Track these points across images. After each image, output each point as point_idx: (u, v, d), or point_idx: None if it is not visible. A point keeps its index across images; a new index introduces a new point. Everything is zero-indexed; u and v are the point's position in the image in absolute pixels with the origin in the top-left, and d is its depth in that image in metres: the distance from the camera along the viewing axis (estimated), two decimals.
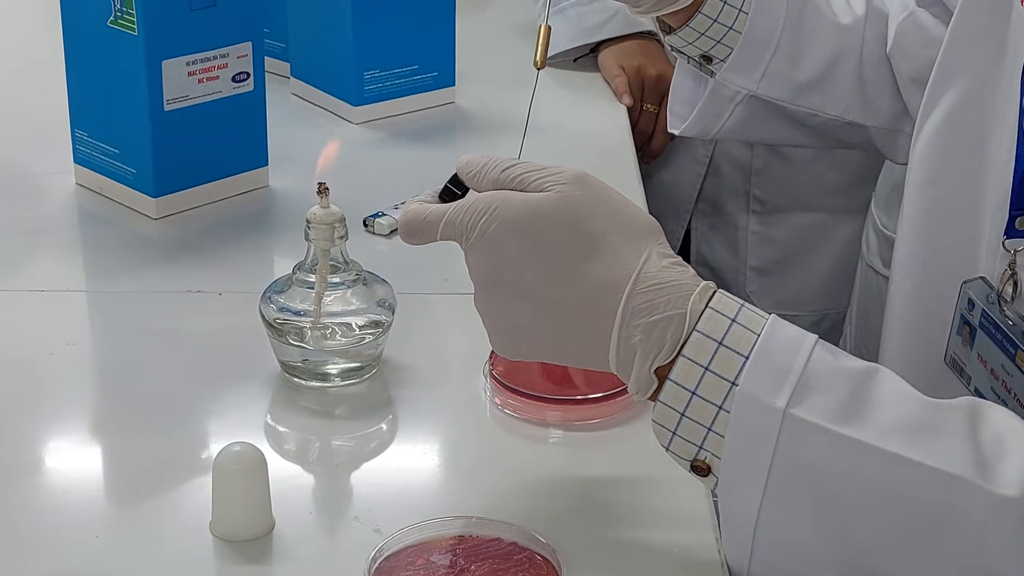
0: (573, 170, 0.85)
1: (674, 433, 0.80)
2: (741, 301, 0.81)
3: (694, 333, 0.79)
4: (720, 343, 0.79)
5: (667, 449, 0.81)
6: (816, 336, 0.80)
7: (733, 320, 0.80)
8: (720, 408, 0.79)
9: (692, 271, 0.83)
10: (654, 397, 0.81)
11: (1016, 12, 0.98)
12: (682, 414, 0.80)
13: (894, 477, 0.76)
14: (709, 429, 0.79)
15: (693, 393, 0.79)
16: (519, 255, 0.83)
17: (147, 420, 1.05)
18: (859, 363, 0.80)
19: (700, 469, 0.80)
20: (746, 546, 0.78)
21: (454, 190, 0.87)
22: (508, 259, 0.83)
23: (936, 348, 1.07)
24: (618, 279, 0.82)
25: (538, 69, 1.04)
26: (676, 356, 0.80)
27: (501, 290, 0.84)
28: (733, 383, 0.78)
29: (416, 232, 0.88)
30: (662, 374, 0.81)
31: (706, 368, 0.79)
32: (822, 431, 0.76)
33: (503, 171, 0.86)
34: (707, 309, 0.80)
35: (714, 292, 0.81)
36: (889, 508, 0.76)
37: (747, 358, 0.78)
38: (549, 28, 1.05)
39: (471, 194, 0.86)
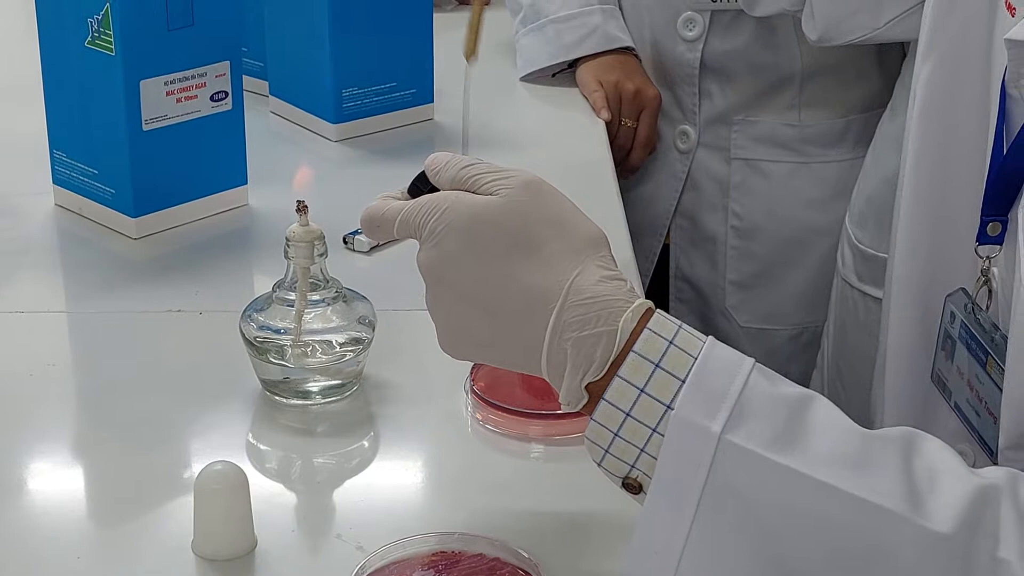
0: (524, 175, 0.85)
1: (606, 451, 0.80)
2: (679, 322, 0.81)
3: (631, 354, 0.79)
4: (657, 365, 0.78)
5: (599, 465, 0.81)
6: (753, 360, 0.79)
7: (671, 342, 0.79)
8: (654, 431, 0.78)
9: (629, 285, 0.82)
10: (588, 412, 0.81)
11: (1000, 19, 0.99)
12: (615, 434, 0.79)
13: (826, 508, 0.75)
14: (642, 450, 0.78)
15: (627, 414, 0.78)
16: (460, 257, 0.83)
17: (128, 440, 1.05)
18: (796, 389, 0.79)
19: (632, 486, 0.80)
20: (669, 570, 0.77)
21: (420, 187, 0.88)
22: (451, 260, 0.84)
23: (928, 367, 1.08)
24: (551, 290, 0.81)
25: (468, 61, 1.03)
26: (610, 375, 0.79)
27: (445, 290, 0.85)
28: (668, 406, 0.78)
29: (374, 228, 0.89)
30: (595, 389, 0.80)
31: (641, 390, 0.78)
32: (756, 458, 0.75)
33: (461, 169, 0.86)
34: (645, 330, 0.79)
35: (650, 310, 0.81)
36: (820, 539, 0.75)
37: (683, 382, 0.78)
38: (482, 7, 1.02)
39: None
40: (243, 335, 1.08)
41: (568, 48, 1.83)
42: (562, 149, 1.66)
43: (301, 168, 1.55)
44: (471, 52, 1.03)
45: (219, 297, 1.25)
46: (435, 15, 1.65)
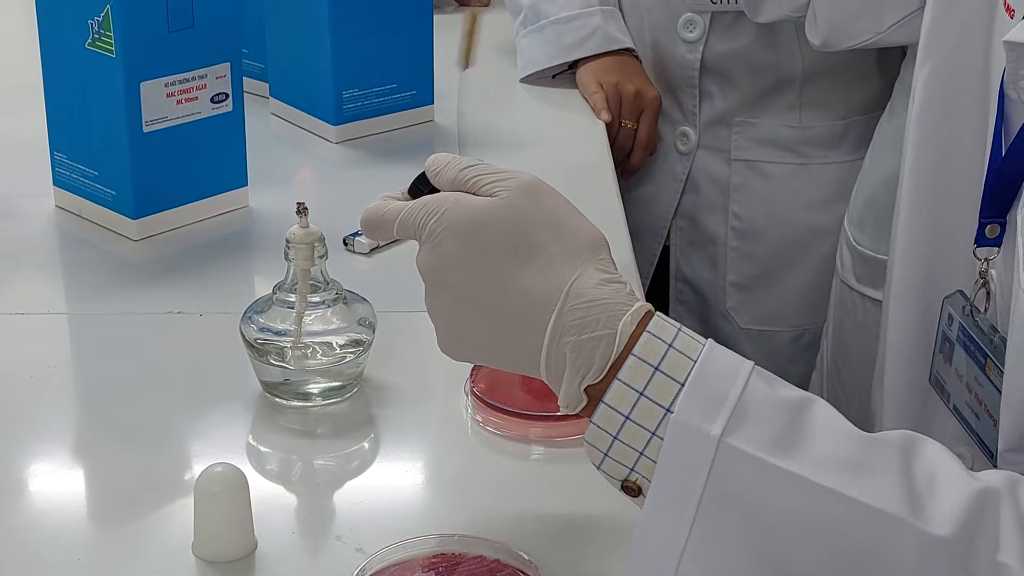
0: (524, 177, 0.85)
1: (605, 454, 0.80)
2: (678, 325, 0.81)
3: (630, 357, 0.79)
4: (656, 368, 0.78)
5: (598, 468, 0.81)
6: (752, 363, 0.79)
7: (670, 345, 0.79)
8: (653, 434, 0.78)
9: (628, 288, 0.82)
10: (587, 414, 0.81)
11: (999, 21, 0.99)
12: (615, 437, 0.79)
13: (826, 512, 0.75)
14: (641, 453, 0.78)
15: (627, 418, 0.78)
16: (460, 259, 0.84)
17: (128, 441, 1.05)
18: (795, 393, 0.79)
19: (631, 489, 0.80)
20: (668, 573, 0.77)
21: (420, 188, 0.88)
22: (451, 262, 0.84)
23: (927, 369, 1.07)
24: (551, 293, 0.81)
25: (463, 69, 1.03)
26: (609, 378, 0.79)
27: (445, 292, 0.85)
28: (668, 410, 0.78)
29: (374, 228, 0.89)
30: (594, 392, 0.80)
31: (641, 393, 0.78)
32: (756, 461, 0.75)
33: (461, 171, 0.86)
34: (644, 333, 0.79)
35: (649, 313, 0.81)
36: (819, 542, 0.75)
37: (683, 385, 0.78)
38: (474, 17, 1.03)
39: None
40: (243, 337, 1.08)
41: (568, 49, 1.83)
42: (562, 150, 1.66)
43: (302, 170, 1.55)
44: (466, 60, 1.04)
45: (219, 299, 1.25)
46: (435, 16, 1.65)
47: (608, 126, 1.76)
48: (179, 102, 1.35)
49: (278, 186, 1.47)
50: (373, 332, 1.09)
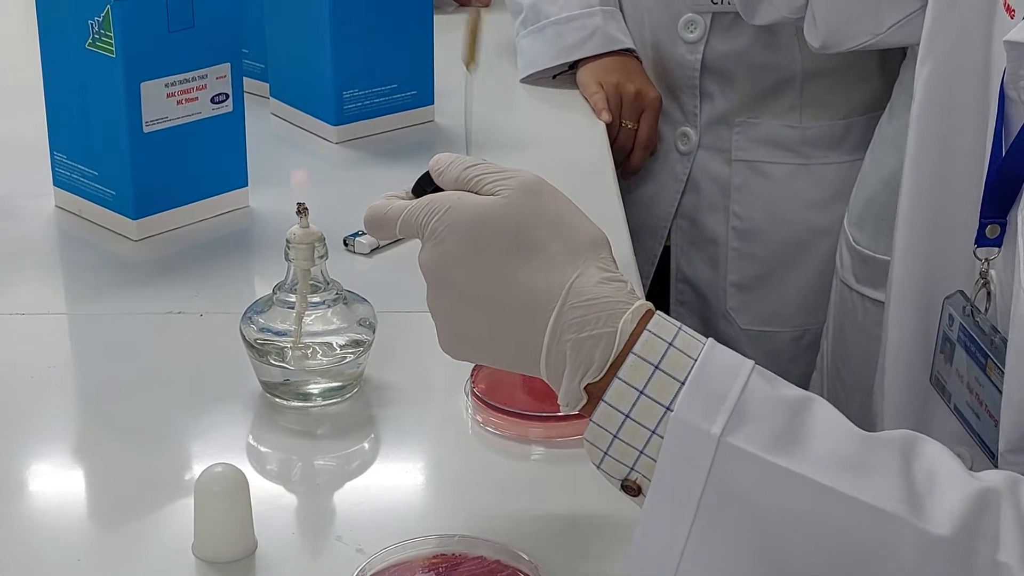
0: (526, 176, 0.85)
1: (605, 453, 0.80)
2: (679, 324, 0.81)
3: (630, 355, 0.79)
4: (656, 367, 0.78)
5: (598, 467, 0.81)
6: (752, 362, 0.79)
7: (670, 344, 0.79)
8: (653, 432, 0.78)
9: (629, 287, 0.82)
10: (587, 413, 0.81)
11: (999, 21, 0.99)
12: (615, 436, 0.79)
13: (826, 510, 0.75)
14: (641, 452, 0.78)
15: (627, 416, 0.78)
16: (462, 258, 0.84)
17: (129, 442, 1.05)
18: (795, 392, 0.79)
19: (630, 489, 0.80)
20: (669, 572, 0.77)
21: (424, 187, 0.89)
22: (452, 260, 0.84)
23: (928, 369, 1.07)
24: (551, 292, 0.81)
25: (468, 69, 1.03)
26: (610, 376, 0.79)
27: (446, 290, 0.85)
28: (668, 408, 0.78)
29: (377, 227, 0.89)
30: (594, 391, 0.80)
31: (641, 392, 0.78)
32: (756, 460, 0.75)
33: (464, 170, 0.87)
34: (645, 331, 0.79)
35: (650, 312, 0.81)
36: (820, 541, 0.75)
37: (683, 383, 0.78)
38: (476, 19, 1.03)
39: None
40: (243, 337, 1.08)
41: (569, 50, 1.83)
42: (563, 151, 1.66)
43: (298, 172, 1.55)
44: (470, 60, 1.03)
45: (219, 299, 1.25)
46: (436, 17, 1.65)
47: (608, 126, 1.76)
48: (179, 102, 1.35)
49: (278, 186, 1.47)
50: (373, 332, 1.09)
